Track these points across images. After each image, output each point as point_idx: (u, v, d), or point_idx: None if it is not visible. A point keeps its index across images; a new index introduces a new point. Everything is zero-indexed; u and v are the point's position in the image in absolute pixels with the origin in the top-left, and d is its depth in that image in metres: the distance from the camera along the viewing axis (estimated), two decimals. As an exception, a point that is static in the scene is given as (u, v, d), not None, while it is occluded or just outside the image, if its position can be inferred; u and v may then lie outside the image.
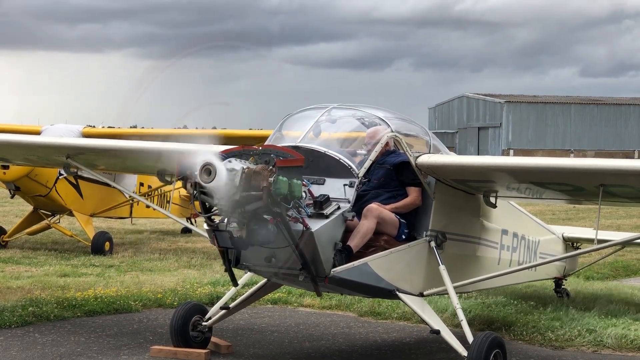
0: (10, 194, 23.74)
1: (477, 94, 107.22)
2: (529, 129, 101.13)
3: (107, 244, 23.30)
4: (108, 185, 24.52)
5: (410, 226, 11.89)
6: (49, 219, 24.21)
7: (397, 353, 13.38)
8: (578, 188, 11.77)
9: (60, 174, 23.29)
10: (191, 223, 29.48)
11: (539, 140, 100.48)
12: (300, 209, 10.50)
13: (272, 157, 10.27)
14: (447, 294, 12.00)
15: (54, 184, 23.25)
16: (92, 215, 24.44)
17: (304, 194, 10.52)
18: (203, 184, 10.12)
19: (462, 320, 11.58)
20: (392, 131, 11.80)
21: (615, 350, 13.59)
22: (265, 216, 10.34)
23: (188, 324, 12.66)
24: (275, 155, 10.31)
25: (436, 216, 12.01)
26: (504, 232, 13.79)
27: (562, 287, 17.46)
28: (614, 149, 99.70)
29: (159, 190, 26.13)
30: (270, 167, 10.15)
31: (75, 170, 15.64)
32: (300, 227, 10.51)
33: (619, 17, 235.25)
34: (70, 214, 24.14)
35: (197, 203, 10.52)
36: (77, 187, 23.82)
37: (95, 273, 19.72)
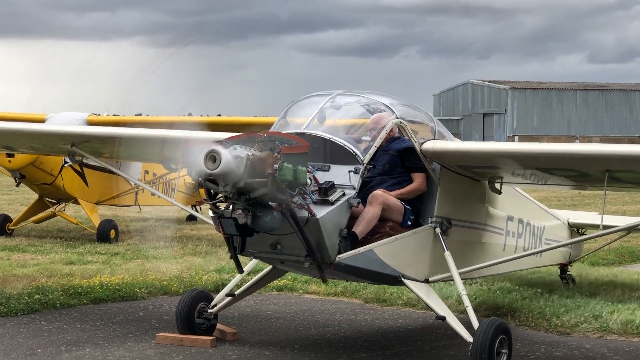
0: (16, 182, 23.74)
1: (482, 80, 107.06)
2: (534, 115, 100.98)
3: (113, 232, 23.31)
4: (113, 173, 24.67)
5: (415, 212, 11.88)
6: (55, 207, 24.22)
7: (403, 339, 13.39)
8: (583, 174, 11.75)
9: (65, 162, 23.30)
10: (196, 210, 29.57)
11: (544, 126, 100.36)
12: (305, 195, 10.49)
13: (277, 144, 10.25)
14: (453, 280, 11.98)
15: (59, 172, 23.25)
16: (97, 203, 24.45)
17: (309, 181, 10.51)
18: (208, 171, 10.10)
19: (467, 306, 11.57)
20: (396, 117, 11.78)
21: (621, 335, 13.58)
22: (271, 203, 10.33)
23: (194, 311, 12.68)
24: (280, 142, 10.29)
25: (441, 202, 11.99)
26: (509, 218, 13.77)
27: (568, 273, 17.43)
28: (620, 134, 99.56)
29: (164, 177, 26.11)
30: (275, 154, 10.13)
31: (80, 159, 15.63)
32: (305, 213, 10.50)
33: (628, 3, 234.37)
34: (76, 202, 24.13)
35: (202, 190, 10.52)
36: (82, 175, 23.82)
37: (101, 261, 19.73)
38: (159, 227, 26.99)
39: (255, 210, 10.38)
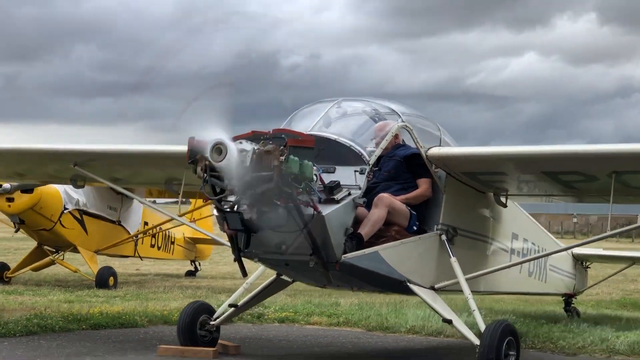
0: (15, 227, 23.57)
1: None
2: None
3: (112, 278, 23.09)
4: (113, 222, 24.61)
5: (420, 220, 11.76)
6: (53, 255, 24.03)
7: (407, 355, 13.19)
8: (590, 177, 11.60)
9: (65, 209, 23.24)
10: (195, 268, 29.42)
11: (542, 205, 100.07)
12: (311, 192, 10.35)
13: (283, 137, 10.18)
14: (459, 288, 11.75)
15: (59, 218, 23.14)
16: (96, 252, 24.29)
17: (314, 177, 10.38)
18: (214, 163, 10.00)
19: (474, 310, 11.38)
20: (402, 121, 11.73)
21: (629, 356, 13.39)
22: (276, 200, 10.21)
23: (196, 323, 12.50)
24: (286, 136, 10.21)
25: (447, 210, 11.87)
26: (514, 236, 13.66)
27: (572, 305, 17.29)
28: (617, 213, 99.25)
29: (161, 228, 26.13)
30: (282, 147, 10.04)
31: (83, 184, 15.51)
32: (310, 210, 10.37)
33: (628, 92, 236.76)
34: (75, 250, 23.96)
35: (207, 186, 10.38)
36: (81, 222, 23.72)
37: (100, 301, 19.48)
38: (157, 280, 26.80)
39: (260, 205, 10.26)
